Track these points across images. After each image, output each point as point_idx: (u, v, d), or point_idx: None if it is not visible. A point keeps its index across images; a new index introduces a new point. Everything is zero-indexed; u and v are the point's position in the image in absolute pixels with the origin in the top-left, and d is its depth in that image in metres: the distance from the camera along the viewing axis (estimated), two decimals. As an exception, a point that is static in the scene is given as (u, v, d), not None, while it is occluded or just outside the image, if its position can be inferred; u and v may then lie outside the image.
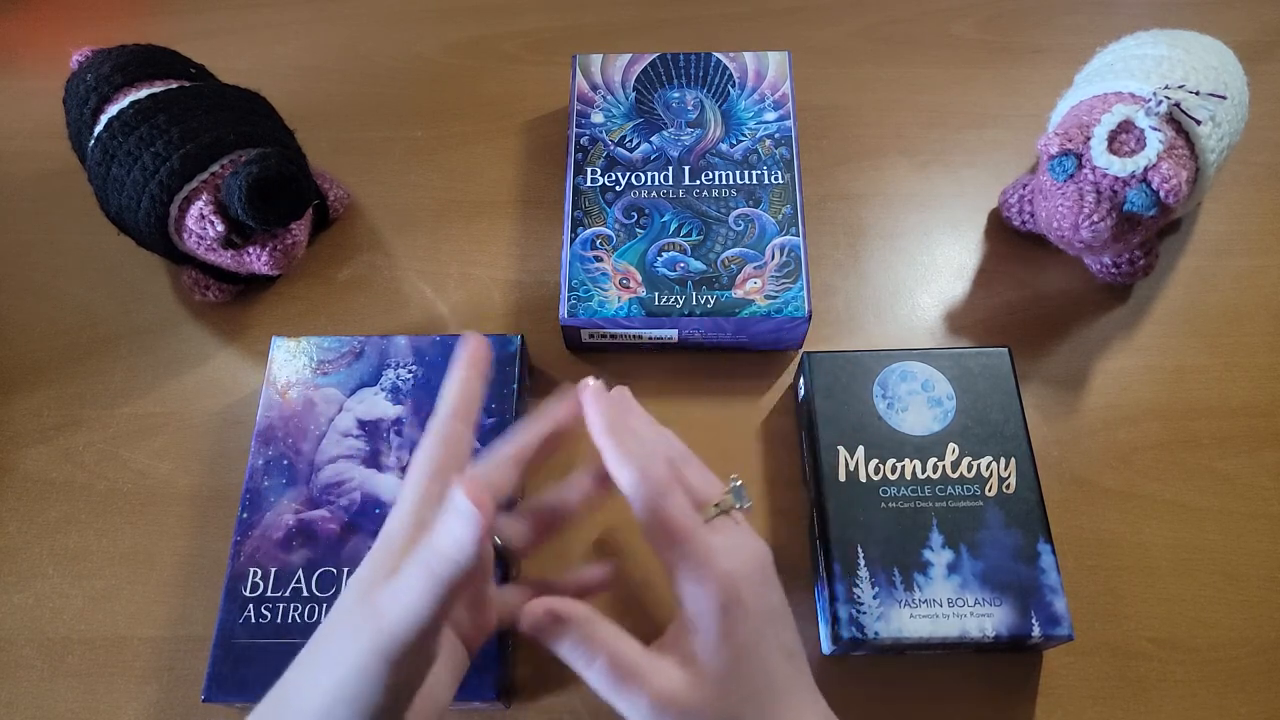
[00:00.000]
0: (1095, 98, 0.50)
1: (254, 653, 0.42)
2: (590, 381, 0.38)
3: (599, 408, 0.36)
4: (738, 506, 0.37)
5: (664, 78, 0.59)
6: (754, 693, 0.33)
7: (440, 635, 0.32)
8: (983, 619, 0.42)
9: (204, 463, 0.51)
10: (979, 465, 0.45)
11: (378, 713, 0.30)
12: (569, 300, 0.51)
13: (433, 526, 0.30)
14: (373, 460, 0.47)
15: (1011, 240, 0.58)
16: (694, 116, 0.57)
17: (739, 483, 0.38)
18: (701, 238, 0.53)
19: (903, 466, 0.45)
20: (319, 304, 0.57)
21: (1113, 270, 0.54)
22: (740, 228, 0.53)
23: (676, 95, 0.59)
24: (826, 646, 0.45)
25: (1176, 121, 0.47)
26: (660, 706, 0.32)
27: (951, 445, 0.46)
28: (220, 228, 0.48)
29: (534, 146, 0.63)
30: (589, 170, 0.55)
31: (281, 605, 0.43)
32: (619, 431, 0.36)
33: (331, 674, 0.30)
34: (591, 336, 0.52)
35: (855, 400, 0.47)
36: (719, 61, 0.60)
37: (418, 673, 0.31)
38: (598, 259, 0.52)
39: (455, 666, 0.36)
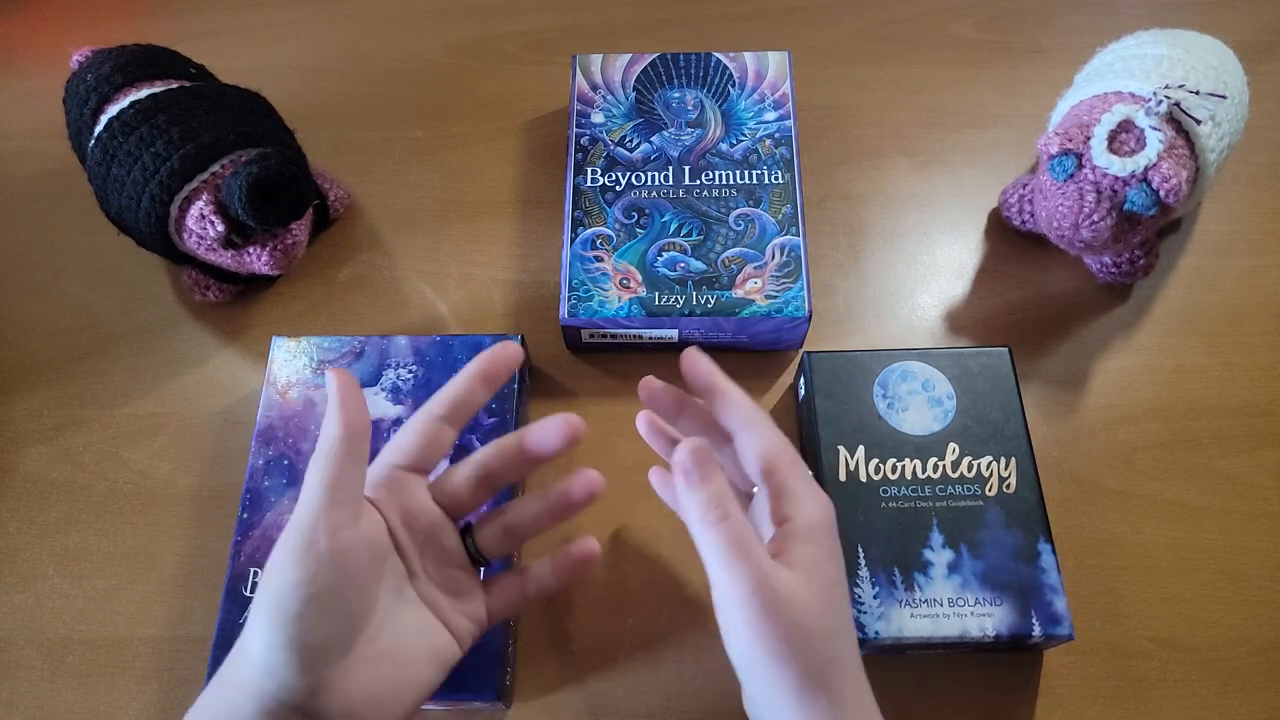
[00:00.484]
0: (1095, 97, 0.50)
1: (254, 653, 0.42)
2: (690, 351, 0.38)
3: (704, 366, 0.38)
4: None
5: (664, 78, 0.59)
6: (845, 627, 0.33)
7: (339, 536, 0.32)
8: (983, 619, 0.42)
9: (204, 463, 0.51)
10: (979, 465, 0.45)
11: (292, 619, 0.30)
12: (569, 300, 0.51)
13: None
14: (373, 460, 0.47)
15: (1011, 240, 0.58)
16: (694, 116, 0.57)
17: None
18: (702, 238, 0.53)
19: (903, 466, 0.45)
20: (319, 304, 0.57)
21: (1113, 270, 0.54)
22: (740, 228, 0.53)
23: (676, 95, 0.59)
24: (827, 646, 0.45)
25: (1176, 121, 0.47)
26: (771, 589, 0.31)
27: (952, 445, 0.46)
28: (220, 228, 0.48)
29: (534, 146, 0.63)
30: (589, 170, 0.55)
31: (282, 605, 0.43)
32: (727, 381, 0.37)
33: (259, 605, 0.31)
34: (592, 336, 0.52)
35: (855, 400, 0.47)
36: (719, 61, 0.60)
37: (325, 573, 0.31)
38: (598, 259, 0.52)
39: (437, 651, 0.36)
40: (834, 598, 0.33)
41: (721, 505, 0.32)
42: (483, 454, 0.38)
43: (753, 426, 0.36)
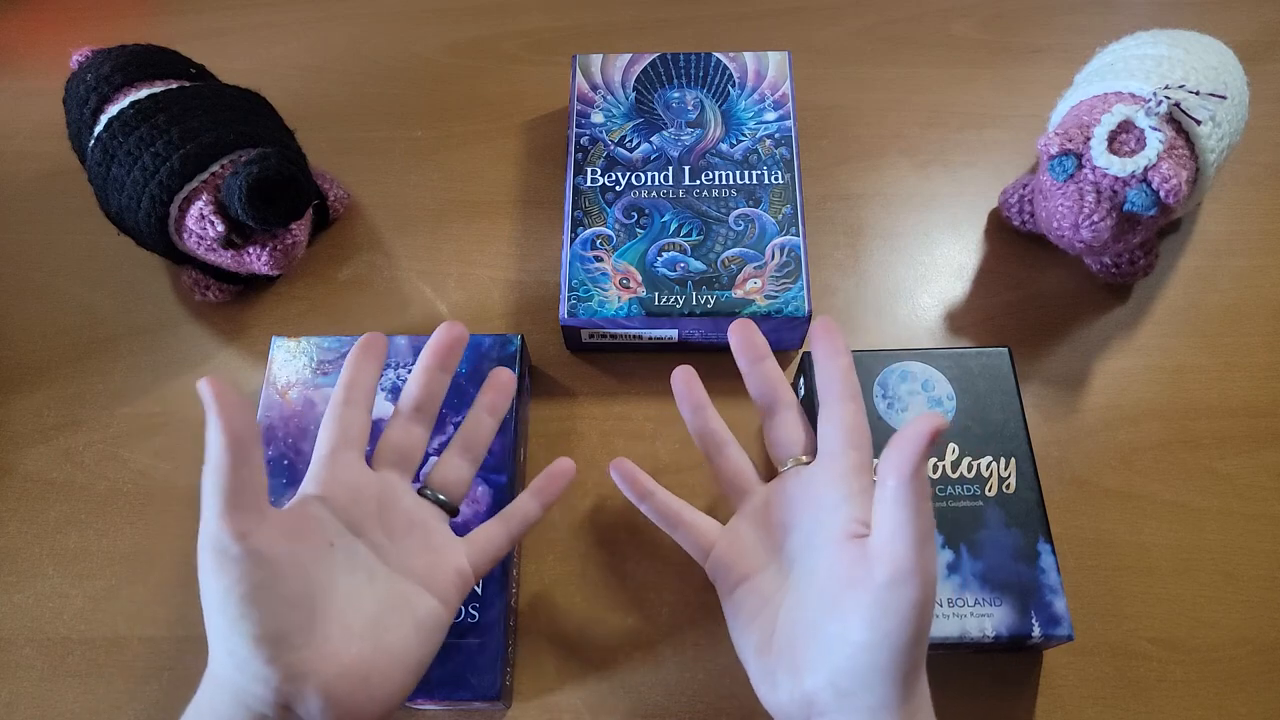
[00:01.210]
0: (1095, 98, 0.50)
1: (254, 653, 0.42)
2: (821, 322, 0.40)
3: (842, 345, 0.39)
4: None
5: (664, 78, 0.59)
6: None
7: (269, 529, 0.32)
8: (983, 619, 0.42)
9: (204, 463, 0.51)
10: (979, 465, 0.45)
11: (236, 605, 0.31)
12: (569, 300, 0.51)
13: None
14: (372, 460, 0.47)
15: (1011, 240, 0.58)
16: (694, 116, 0.57)
17: None
18: (701, 238, 0.53)
19: (903, 466, 0.45)
20: (319, 304, 0.57)
21: (1113, 270, 0.54)
22: (740, 228, 0.53)
23: (676, 95, 0.59)
24: (826, 646, 0.45)
25: (1176, 121, 0.47)
26: (928, 604, 0.31)
27: (951, 445, 0.46)
28: (220, 228, 0.48)
29: (534, 146, 0.63)
30: (589, 170, 0.55)
31: (281, 605, 0.43)
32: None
33: (207, 616, 0.32)
34: (591, 336, 0.52)
35: (855, 400, 0.47)
36: (719, 61, 0.60)
37: (270, 572, 0.31)
38: (598, 259, 0.52)
39: (420, 620, 0.36)
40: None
41: (929, 530, 0.32)
42: (409, 397, 0.40)
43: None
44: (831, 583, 0.34)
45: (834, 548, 0.35)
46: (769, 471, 0.44)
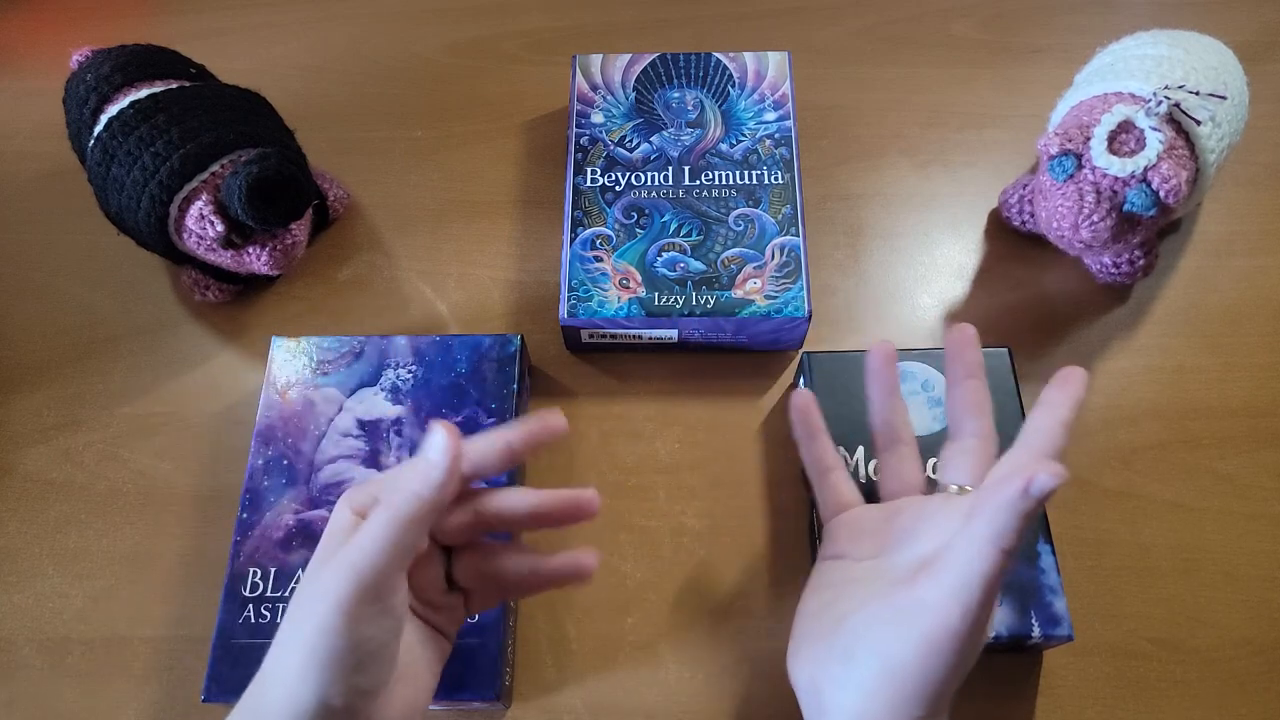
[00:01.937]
0: (1095, 98, 0.50)
1: (254, 653, 0.42)
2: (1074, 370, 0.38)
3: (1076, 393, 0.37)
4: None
5: (664, 78, 0.59)
6: (976, 658, 0.33)
7: (401, 591, 0.31)
8: (983, 619, 0.42)
9: (204, 463, 0.51)
10: (979, 465, 0.45)
11: (348, 673, 0.30)
12: (569, 300, 0.51)
13: (402, 467, 0.32)
14: (372, 460, 0.47)
15: (1011, 240, 0.58)
16: (694, 116, 0.57)
17: None
18: (701, 238, 0.53)
19: (903, 466, 0.45)
20: (319, 304, 0.57)
21: (1113, 270, 0.54)
22: (740, 228, 0.53)
23: (676, 95, 0.59)
24: (826, 646, 0.45)
25: (1176, 121, 0.47)
26: (981, 622, 0.31)
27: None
28: (220, 228, 0.48)
29: (534, 146, 0.63)
30: (589, 170, 0.55)
31: (281, 605, 0.43)
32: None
33: (298, 658, 0.30)
34: (591, 336, 0.52)
35: (855, 400, 0.47)
36: (719, 61, 0.60)
37: (383, 629, 0.31)
38: (598, 259, 0.52)
39: (438, 656, 0.36)
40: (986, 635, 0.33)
41: (1018, 539, 0.30)
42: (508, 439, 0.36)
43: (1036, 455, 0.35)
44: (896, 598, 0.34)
45: None
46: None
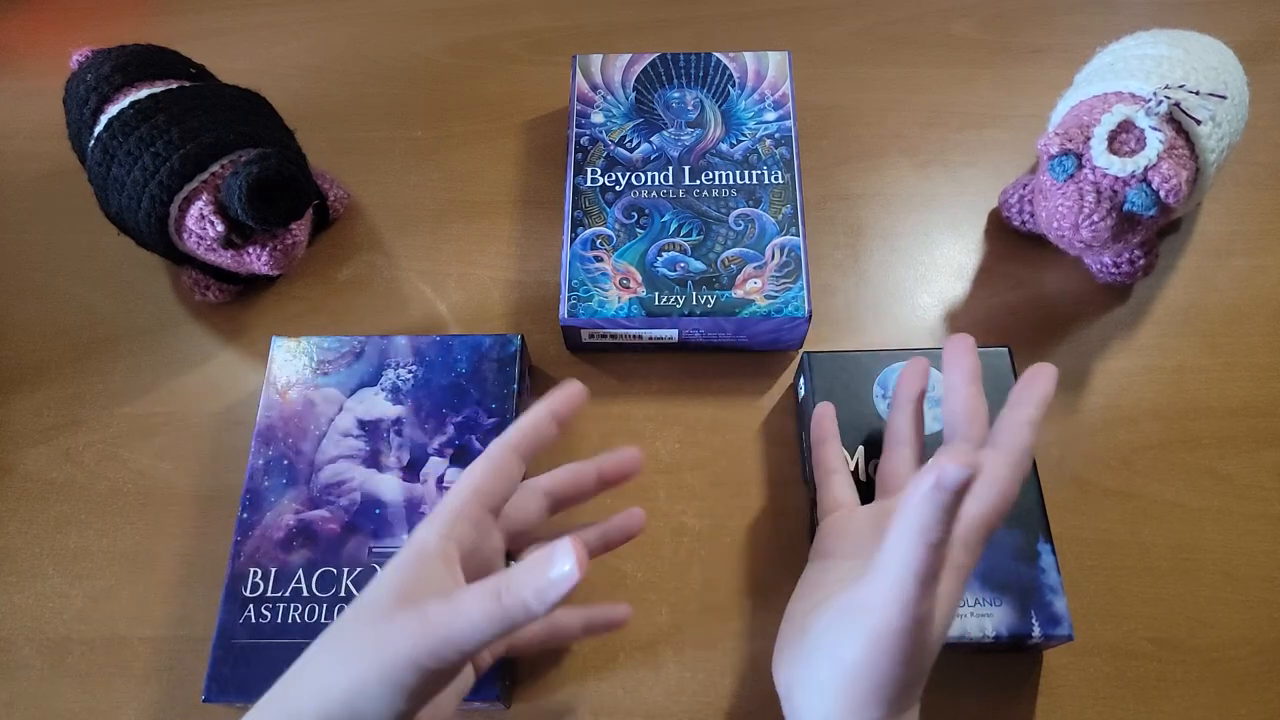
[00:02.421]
0: (1095, 98, 0.50)
1: (254, 653, 0.42)
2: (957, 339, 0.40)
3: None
4: None
5: (664, 78, 0.59)
6: (931, 656, 0.34)
7: (468, 673, 0.32)
8: (983, 619, 0.42)
9: (204, 463, 0.51)
10: (979, 465, 0.45)
11: (397, 713, 0.29)
12: (569, 300, 0.51)
13: (524, 564, 0.30)
14: (373, 460, 0.47)
15: (1011, 240, 0.58)
16: (694, 116, 0.57)
17: None
18: (701, 238, 0.53)
19: (903, 466, 0.45)
20: (319, 304, 0.57)
21: (1113, 270, 0.54)
22: (740, 228, 0.53)
23: (676, 95, 0.59)
24: (826, 646, 0.45)
25: (1176, 121, 0.47)
26: (920, 625, 0.31)
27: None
28: (220, 228, 0.48)
29: (534, 146, 0.63)
30: (589, 170, 0.55)
31: (281, 605, 0.43)
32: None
33: (348, 674, 0.29)
34: (591, 336, 0.52)
35: (855, 400, 0.47)
36: (719, 61, 0.60)
37: (439, 690, 0.31)
38: (598, 259, 0.52)
39: (461, 688, 0.37)
40: (947, 632, 0.34)
41: (943, 532, 0.29)
42: (554, 483, 0.38)
43: (1013, 462, 0.35)
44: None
45: None
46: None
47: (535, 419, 0.36)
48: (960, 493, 0.28)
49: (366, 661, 0.29)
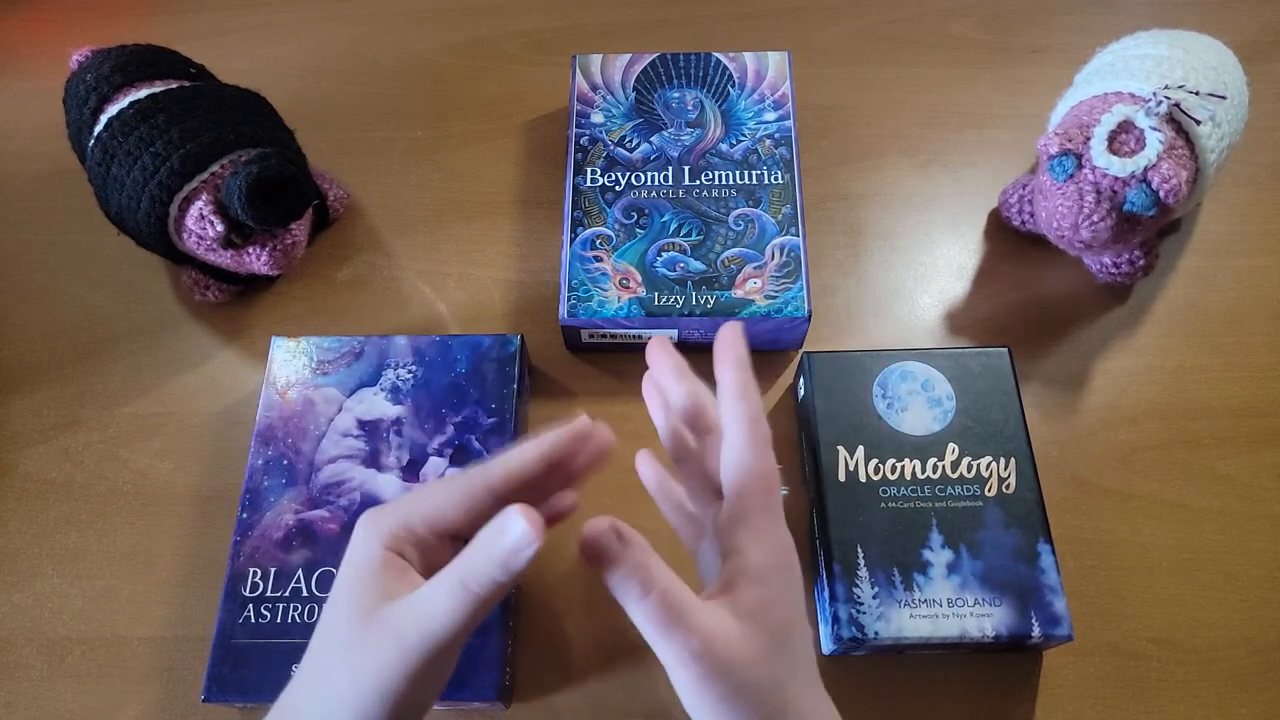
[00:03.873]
0: (1095, 98, 0.50)
1: (254, 653, 0.42)
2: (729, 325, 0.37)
3: (736, 346, 0.36)
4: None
5: (664, 78, 0.59)
6: (795, 671, 0.32)
7: (459, 646, 0.31)
8: (983, 619, 0.42)
9: (204, 463, 0.51)
10: (979, 465, 0.45)
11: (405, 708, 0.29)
12: (569, 300, 0.51)
13: (476, 543, 0.29)
14: (372, 460, 0.47)
15: (1011, 240, 0.58)
16: (694, 116, 0.57)
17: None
18: (701, 238, 0.53)
19: (902, 466, 0.45)
20: (319, 304, 0.57)
21: (1113, 270, 0.54)
22: (740, 228, 0.53)
23: (676, 95, 0.59)
24: (827, 646, 0.45)
25: (1176, 121, 0.47)
26: (710, 653, 0.29)
27: (951, 445, 0.46)
28: (220, 228, 0.48)
29: (534, 146, 0.63)
30: (589, 170, 0.55)
31: (281, 605, 0.43)
32: (747, 370, 0.35)
33: (341, 708, 0.29)
34: (591, 336, 0.52)
35: (855, 400, 0.47)
36: (719, 61, 0.60)
37: (439, 682, 0.30)
38: (598, 259, 0.52)
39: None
40: (782, 645, 0.31)
41: (643, 575, 0.30)
42: (503, 481, 0.33)
43: (741, 436, 0.34)
44: None
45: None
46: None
47: (524, 461, 0.32)
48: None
49: (359, 691, 0.29)
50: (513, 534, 0.28)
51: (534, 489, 0.33)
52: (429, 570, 0.31)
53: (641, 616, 0.30)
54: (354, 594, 0.30)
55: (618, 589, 0.30)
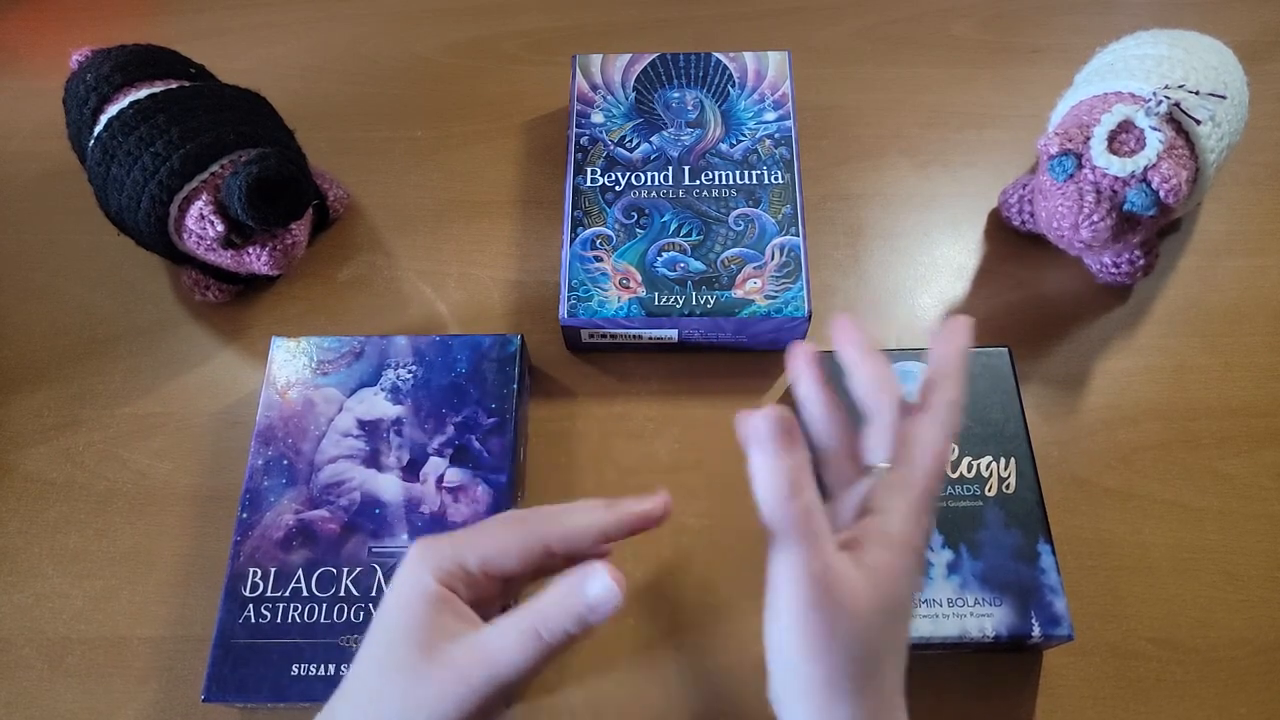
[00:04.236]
0: (1095, 97, 0.50)
1: (254, 653, 0.42)
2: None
3: (964, 335, 0.35)
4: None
5: (664, 78, 0.59)
6: (893, 654, 0.31)
7: (515, 694, 0.31)
8: (983, 619, 0.42)
9: (204, 463, 0.51)
10: (979, 465, 0.45)
11: None
12: (569, 300, 0.51)
13: (555, 592, 0.29)
14: (373, 460, 0.47)
15: (1011, 240, 0.58)
16: (694, 116, 0.57)
17: None
18: (701, 238, 0.53)
19: (903, 466, 0.45)
20: (319, 304, 0.57)
21: (1113, 270, 0.54)
22: (740, 228, 0.53)
23: (676, 95, 0.59)
24: (826, 646, 0.45)
25: (1176, 121, 0.47)
26: (828, 582, 0.29)
27: (951, 445, 0.46)
28: (220, 228, 0.48)
29: (534, 146, 0.63)
30: (589, 170, 0.55)
31: (281, 605, 0.43)
32: (965, 360, 0.35)
33: None
34: (591, 336, 0.52)
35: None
36: (719, 61, 0.60)
37: (498, 714, 0.30)
38: (598, 259, 0.52)
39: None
40: (893, 619, 0.31)
41: (795, 480, 0.29)
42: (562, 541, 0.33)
43: (942, 416, 0.33)
44: None
45: None
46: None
47: (588, 528, 0.32)
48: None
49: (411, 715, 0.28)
50: (595, 590, 0.28)
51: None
52: (475, 607, 0.31)
53: (778, 517, 0.29)
54: (411, 625, 0.30)
55: (764, 480, 0.30)
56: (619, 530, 0.32)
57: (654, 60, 0.60)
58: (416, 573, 0.31)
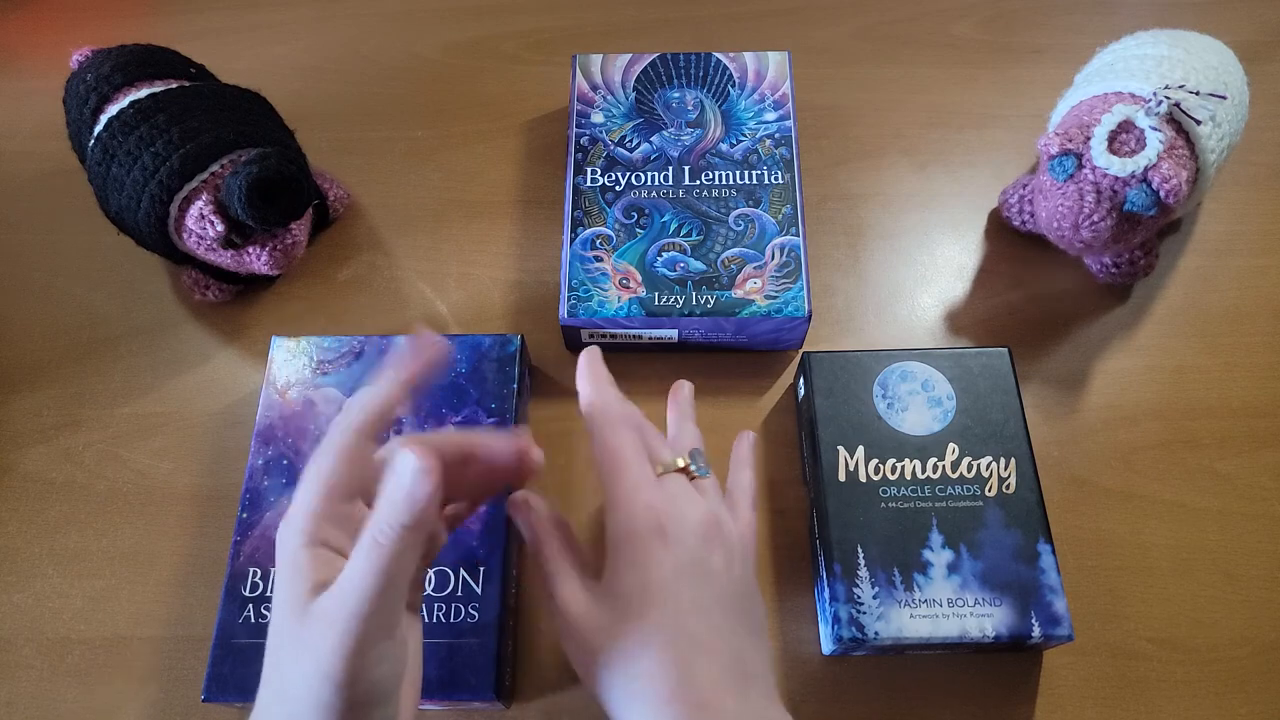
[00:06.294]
0: (1095, 98, 0.50)
1: (254, 653, 0.42)
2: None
3: (591, 354, 0.40)
4: (693, 469, 0.37)
5: (664, 78, 0.59)
6: (663, 640, 0.32)
7: (403, 615, 0.30)
8: (983, 619, 0.42)
9: (204, 463, 0.51)
10: (979, 465, 0.45)
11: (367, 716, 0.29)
12: (569, 300, 0.51)
13: (376, 501, 0.29)
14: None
15: (1011, 240, 0.58)
16: (694, 116, 0.57)
17: (698, 448, 0.39)
18: (701, 238, 0.53)
19: (903, 466, 0.45)
20: (319, 304, 0.57)
21: (1113, 270, 0.54)
22: (740, 228, 0.53)
23: (676, 95, 0.59)
24: (827, 646, 0.45)
25: (1176, 121, 0.47)
26: (562, 615, 0.34)
27: (951, 445, 0.46)
28: (220, 228, 0.48)
29: (534, 146, 0.63)
30: (589, 170, 0.55)
31: (281, 605, 0.43)
32: (599, 365, 0.40)
33: (293, 692, 0.29)
34: (591, 336, 0.52)
35: (855, 400, 0.47)
36: (719, 61, 0.60)
37: (395, 659, 0.30)
38: (598, 259, 0.52)
39: (418, 641, 0.35)
40: (625, 615, 0.33)
41: (533, 538, 0.36)
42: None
43: (588, 414, 0.38)
44: None
45: None
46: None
47: (383, 396, 0.33)
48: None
49: (309, 684, 0.28)
50: (404, 469, 0.28)
51: (459, 485, 0.34)
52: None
53: (539, 569, 0.36)
54: (285, 597, 0.30)
55: (528, 541, 0.36)
56: (408, 380, 0.34)
57: (654, 60, 0.60)
58: (280, 545, 0.31)
